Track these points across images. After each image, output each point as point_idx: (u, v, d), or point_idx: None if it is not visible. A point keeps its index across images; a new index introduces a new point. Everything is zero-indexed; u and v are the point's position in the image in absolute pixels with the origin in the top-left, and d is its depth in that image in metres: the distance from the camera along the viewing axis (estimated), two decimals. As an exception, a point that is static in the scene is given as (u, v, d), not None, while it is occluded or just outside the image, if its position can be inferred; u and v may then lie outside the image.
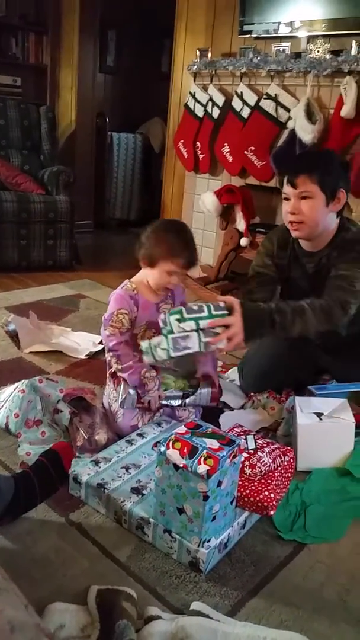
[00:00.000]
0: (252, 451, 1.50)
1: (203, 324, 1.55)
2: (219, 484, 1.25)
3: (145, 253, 1.75)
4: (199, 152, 3.58)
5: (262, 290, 1.95)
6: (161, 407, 1.82)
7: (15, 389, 1.78)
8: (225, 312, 1.57)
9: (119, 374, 1.78)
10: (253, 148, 3.20)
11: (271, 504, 1.40)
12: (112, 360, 1.79)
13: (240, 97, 3.24)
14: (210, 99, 3.42)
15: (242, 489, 1.41)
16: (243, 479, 1.43)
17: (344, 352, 2.00)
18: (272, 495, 1.41)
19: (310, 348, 2.06)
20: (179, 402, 1.82)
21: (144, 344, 1.61)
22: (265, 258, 1.99)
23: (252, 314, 1.60)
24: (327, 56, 2.81)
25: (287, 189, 1.77)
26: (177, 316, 1.55)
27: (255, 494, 1.41)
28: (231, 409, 2.02)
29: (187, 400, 1.82)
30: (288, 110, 3.03)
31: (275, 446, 1.55)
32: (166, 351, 1.55)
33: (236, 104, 3.27)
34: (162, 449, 1.28)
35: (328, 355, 2.05)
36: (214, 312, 1.56)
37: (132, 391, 1.76)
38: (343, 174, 1.80)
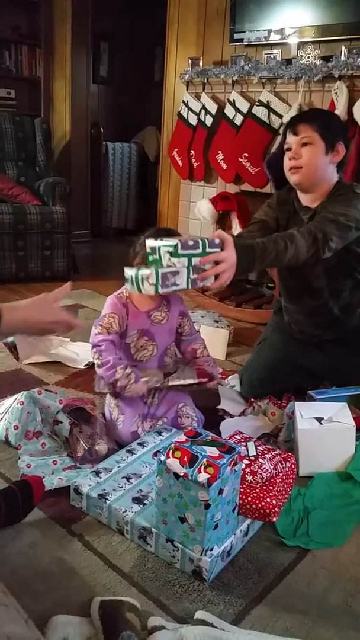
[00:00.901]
0: (253, 458, 1.50)
1: (195, 261, 1.48)
2: (220, 492, 1.25)
3: (136, 260, 1.78)
4: (194, 160, 3.59)
5: (255, 232, 1.93)
6: (149, 395, 1.82)
7: (14, 401, 1.78)
8: (219, 250, 1.52)
9: (97, 370, 1.79)
10: (247, 155, 3.21)
11: (273, 510, 1.40)
12: (95, 356, 1.79)
13: (233, 104, 3.25)
14: (203, 107, 3.43)
15: (243, 496, 1.41)
16: (244, 486, 1.43)
17: (340, 355, 2.01)
18: (274, 501, 1.40)
19: (307, 354, 2.07)
20: (159, 383, 1.79)
21: (129, 271, 1.55)
22: (267, 208, 2.02)
23: (245, 247, 1.57)
24: (318, 62, 2.83)
25: (289, 138, 1.84)
26: (170, 249, 1.45)
27: (257, 501, 1.40)
28: (231, 416, 2.02)
29: (170, 381, 1.79)
30: (280, 116, 3.05)
31: (276, 452, 1.55)
32: (154, 287, 1.47)
33: (229, 111, 3.29)
34: (162, 458, 1.28)
35: (324, 358, 2.06)
36: (208, 250, 1.50)
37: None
38: (342, 131, 1.88)
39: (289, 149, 1.83)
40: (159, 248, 1.47)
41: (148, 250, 1.50)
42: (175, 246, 1.44)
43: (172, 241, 1.47)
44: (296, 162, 1.81)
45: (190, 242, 1.47)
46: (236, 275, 1.56)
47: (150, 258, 1.50)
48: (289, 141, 1.84)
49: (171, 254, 1.45)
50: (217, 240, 1.52)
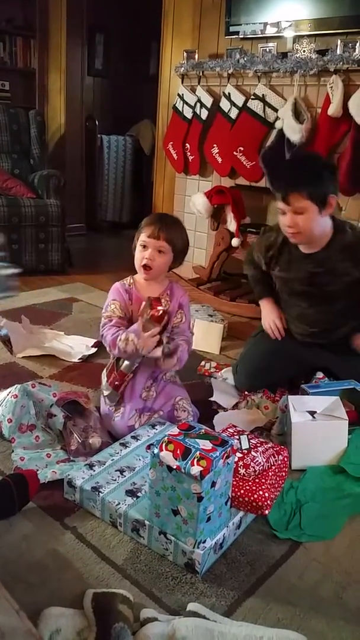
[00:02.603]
0: (245, 451, 1.51)
1: None
2: (213, 484, 1.26)
3: (134, 240, 1.84)
4: (189, 153, 3.59)
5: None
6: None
7: (8, 394, 1.78)
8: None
9: (110, 352, 1.82)
10: (242, 149, 3.21)
11: (266, 503, 1.40)
12: (105, 344, 1.83)
13: (228, 98, 3.24)
14: (199, 101, 3.42)
15: (236, 489, 1.41)
16: (237, 479, 1.43)
17: (343, 348, 2.05)
18: (266, 494, 1.41)
19: (304, 346, 2.08)
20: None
21: None
22: (259, 255, 2.10)
23: None
24: (313, 56, 2.82)
25: (281, 205, 1.84)
26: None
27: (250, 494, 1.41)
28: (224, 409, 2.02)
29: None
30: (276, 110, 3.04)
31: (269, 445, 1.56)
32: None
33: (224, 104, 3.28)
34: (156, 451, 1.28)
35: (327, 352, 2.09)
36: None
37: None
38: (331, 179, 1.84)
39: (284, 213, 1.84)
40: None
41: None
42: None
43: None
44: (293, 229, 1.84)
45: None
46: None
47: None
48: (281, 207, 1.84)
49: None
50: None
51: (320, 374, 2.13)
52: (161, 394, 1.87)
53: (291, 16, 3.02)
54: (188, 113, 3.52)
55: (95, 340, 2.56)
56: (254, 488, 1.42)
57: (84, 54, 4.82)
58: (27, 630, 0.69)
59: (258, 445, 1.54)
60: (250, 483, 1.43)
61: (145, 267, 1.79)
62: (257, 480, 1.44)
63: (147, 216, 1.88)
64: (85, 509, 1.48)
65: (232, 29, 3.30)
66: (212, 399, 2.05)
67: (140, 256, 1.79)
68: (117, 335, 1.74)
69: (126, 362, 1.80)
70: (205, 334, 2.61)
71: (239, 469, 1.45)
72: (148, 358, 1.78)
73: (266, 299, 2.17)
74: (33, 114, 4.11)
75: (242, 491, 1.42)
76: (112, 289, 1.87)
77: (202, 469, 1.21)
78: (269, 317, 2.14)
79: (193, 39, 3.60)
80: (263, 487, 1.42)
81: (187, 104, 3.51)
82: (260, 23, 3.16)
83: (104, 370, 1.92)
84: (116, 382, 1.80)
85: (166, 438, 1.29)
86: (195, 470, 1.21)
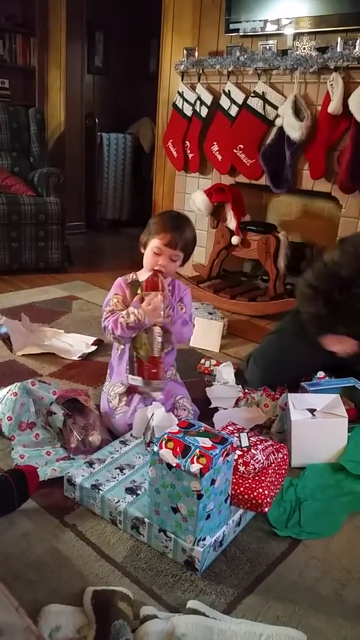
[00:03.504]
0: (245, 449, 1.51)
1: None
2: (213, 482, 1.26)
3: (142, 236, 1.84)
4: (189, 151, 3.58)
5: None
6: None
7: (7, 392, 1.78)
8: None
9: (117, 342, 1.85)
10: (242, 146, 3.21)
11: (265, 500, 1.40)
12: (109, 336, 1.83)
13: (228, 95, 3.24)
14: (199, 98, 3.42)
15: (236, 487, 1.41)
16: (237, 476, 1.43)
17: None
18: (266, 492, 1.41)
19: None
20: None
21: None
22: None
23: None
24: (313, 53, 2.82)
25: None
26: None
27: (249, 492, 1.41)
28: (224, 407, 2.02)
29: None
30: (276, 107, 3.04)
31: (269, 443, 1.56)
32: None
33: (224, 102, 3.28)
34: (155, 448, 1.28)
35: None
36: None
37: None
38: None
39: None
40: None
41: None
42: None
43: None
44: None
45: None
46: None
47: None
48: None
49: None
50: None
51: (321, 374, 2.14)
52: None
53: (291, 13, 3.02)
54: (188, 111, 3.51)
55: (95, 339, 2.57)
56: (253, 486, 1.42)
57: (84, 51, 4.82)
58: (27, 627, 0.69)
59: (258, 442, 1.54)
60: (249, 481, 1.43)
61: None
62: (256, 477, 1.44)
63: (159, 216, 1.88)
64: (85, 506, 1.48)
65: (232, 26, 3.30)
66: (211, 406, 2.04)
67: (153, 261, 1.79)
68: (117, 316, 1.77)
69: (141, 352, 1.78)
70: (205, 332, 2.61)
71: (239, 466, 1.45)
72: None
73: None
74: (33, 111, 4.11)
75: (241, 489, 1.42)
76: (114, 284, 1.89)
77: (201, 466, 1.21)
78: (346, 344, 2.03)
79: (193, 36, 3.60)
80: (263, 484, 1.42)
81: (187, 101, 3.51)
82: (260, 20, 3.16)
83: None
84: (148, 371, 1.76)
85: (166, 436, 1.29)
86: (195, 467, 1.21)
